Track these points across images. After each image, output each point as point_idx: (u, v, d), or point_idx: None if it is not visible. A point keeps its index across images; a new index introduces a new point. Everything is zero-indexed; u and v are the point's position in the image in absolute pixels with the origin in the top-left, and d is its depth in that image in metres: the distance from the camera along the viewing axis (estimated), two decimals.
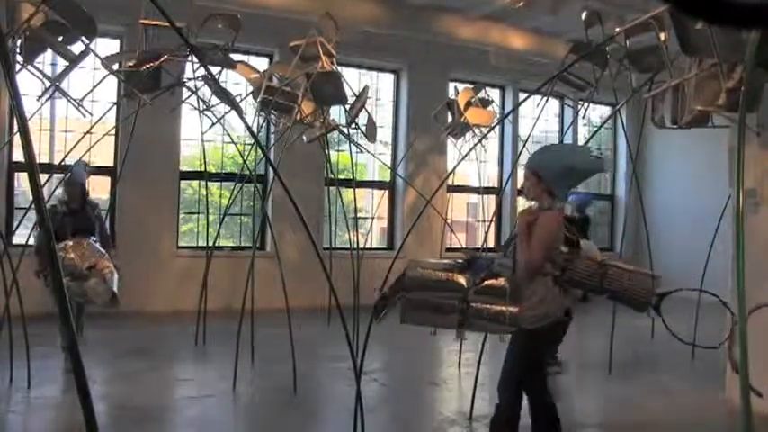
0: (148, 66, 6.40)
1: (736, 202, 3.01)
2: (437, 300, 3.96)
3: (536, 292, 3.86)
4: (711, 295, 4.12)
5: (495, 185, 12.74)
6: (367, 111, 8.10)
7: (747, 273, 2.68)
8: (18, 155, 8.83)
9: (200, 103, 7.38)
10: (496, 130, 11.94)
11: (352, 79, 10.41)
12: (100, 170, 9.49)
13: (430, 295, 3.96)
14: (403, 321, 4.06)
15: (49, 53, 6.21)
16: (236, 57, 7.38)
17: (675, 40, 4.81)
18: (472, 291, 3.92)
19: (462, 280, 3.99)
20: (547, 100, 8.46)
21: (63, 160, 6.84)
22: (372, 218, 11.58)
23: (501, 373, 4.06)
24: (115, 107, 7.98)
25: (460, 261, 4.26)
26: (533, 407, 4.06)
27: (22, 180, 9.09)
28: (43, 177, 6.29)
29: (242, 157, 8.38)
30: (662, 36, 5.90)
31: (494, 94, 12.12)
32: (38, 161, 3.88)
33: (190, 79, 7.13)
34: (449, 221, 11.02)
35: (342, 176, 10.60)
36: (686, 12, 0.82)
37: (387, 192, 11.74)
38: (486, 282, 3.96)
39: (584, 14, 7.45)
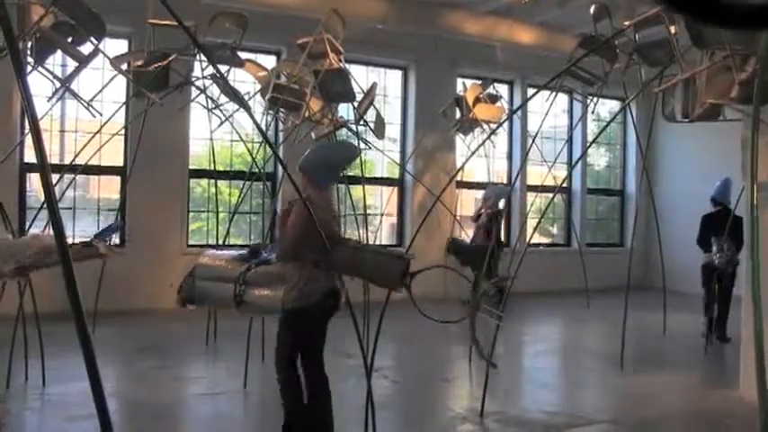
0: (157, 65, 6.42)
1: (749, 196, 2.98)
2: (219, 285, 4.55)
3: (294, 276, 4.18)
4: (451, 269, 4.72)
5: (505, 181, 12.70)
6: (375, 107, 8.09)
7: (762, 266, 2.66)
8: (30, 155, 8.88)
9: (209, 101, 7.39)
10: (505, 125, 11.90)
11: (360, 76, 10.40)
12: (110, 170, 9.56)
13: (214, 281, 4.56)
14: (192, 303, 4.73)
15: (58, 54, 6.23)
16: (243, 55, 7.38)
17: (686, 32, 4.78)
18: (242, 277, 4.49)
19: (239, 268, 4.58)
20: (556, 95, 8.42)
21: (74, 160, 6.86)
22: (381, 214, 11.57)
23: (274, 353, 4.30)
24: (124, 107, 8.00)
25: (245, 252, 4.90)
26: (307, 384, 4.31)
27: (33, 180, 9.14)
28: (54, 178, 6.33)
29: (251, 154, 8.40)
30: (672, 29, 5.86)
31: (502, 89, 12.08)
32: (49, 162, 3.89)
33: (198, 78, 7.15)
34: (458, 217, 11.01)
35: (350, 173, 10.61)
36: (680, 11, 0.81)
37: (396, 188, 11.73)
38: (257, 269, 4.53)
39: (592, 8, 7.41)
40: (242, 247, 10.27)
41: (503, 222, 10.41)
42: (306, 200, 4.13)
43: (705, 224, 8.37)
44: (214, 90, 7.40)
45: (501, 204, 10.44)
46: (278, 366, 4.26)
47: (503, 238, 10.37)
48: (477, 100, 9.63)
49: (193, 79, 7.18)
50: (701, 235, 8.29)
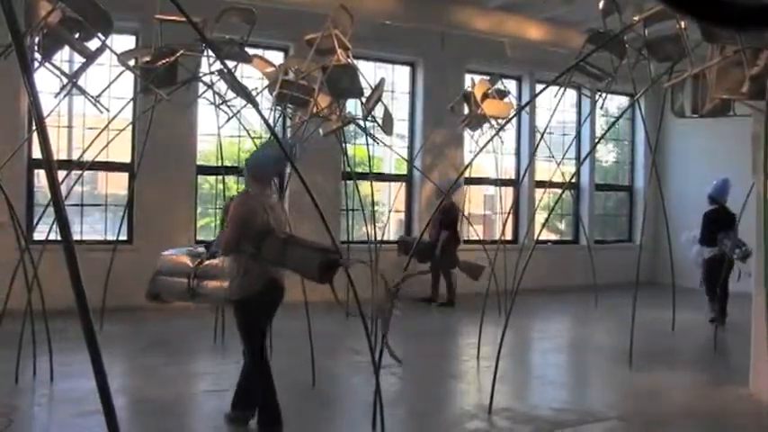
0: (164, 61, 6.41)
1: (762, 191, 2.95)
2: (175, 279, 4.98)
3: (234, 269, 4.51)
4: (368, 265, 4.75)
5: (513, 177, 12.67)
6: (383, 103, 8.06)
7: None
8: (37, 152, 8.90)
9: (217, 97, 7.38)
10: (513, 121, 11.85)
11: (368, 72, 10.37)
12: (117, 166, 9.57)
13: (174, 276, 5.00)
14: (158, 298, 5.22)
15: (66, 50, 6.24)
16: (251, 51, 7.36)
17: (696, 27, 4.73)
18: (194, 272, 4.87)
19: (190, 262, 4.95)
20: (564, 90, 8.37)
21: (81, 156, 6.87)
22: (389, 211, 11.56)
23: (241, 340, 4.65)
24: (132, 103, 8.01)
25: (201, 247, 5.34)
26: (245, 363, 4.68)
27: (41, 177, 9.16)
28: (61, 174, 6.34)
29: None
30: (682, 24, 5.81)
31: (510, 85, 12.02)
32: (56, 158, 3.88)
33: (206, 74, 7.14)
34: (466, 213, 10.98)
35: (358, 169, 10.58)
36: (682, 11, 0.80)
37: (404, 184, 11.71)
38: (207, 263, 4.90)
39: (601, 3, 7.36)
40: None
41: (453, 216, 10.27)
42: (246, 195, 4.58)
43: (709, 221, 8.69)
44: (222, 86, 7.39)
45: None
46: (248, 352, 4.61)
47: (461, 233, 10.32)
48: (485, 96, 9.59)
49: (201, 75, 7.18)
50: (708, 231, 8.55)
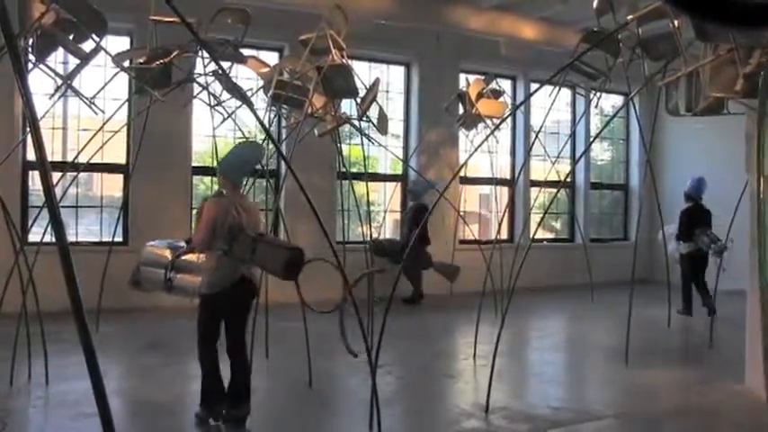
0: (159, 62, 6.40)
1: (756, 189, 2.96)
2: (155, 270, 5.23)
3: (208, 264, 4.70)
4: (326, 261, 4.60)
5: (508, 176, 12.68)
6: (378, 103, 8.06)
7: None
8: (32, 154, 8.87)
9: (212, 98, 7.37)
10: (508, 120, 11.86)
11: (363, 72, 10.36)
12: (113, 167, 9.55)
13: (152, 268, 5.26)
14: (135, 287, 5.61)
15: (60, 51, 6.23)
16: (246, 51, 7.36)
17: (689, 26, 4.75)
18: (171, 264, 5.10)
19: (170, 255, 5.18)
20: (559, 90, 8.38)
21: (76, 158, 6.86)
22: (385, 211, 11.55)
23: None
24: (127, 104, 7.99)
25: (183, 242, 5.55)
26: (229, 356, 4.85)
27: (36, 178, 9.13)
28: (56, 176, 6.32)
29: None
30: (676, 23, 5.83)
31: (505, 84, 12.04)
32: (51, 159, 3.87)
33: (200, 75, 7.13)
34: (461, 213, 10.99)
35: (354, 169, 10.58)
36: (683, 9, 0.80)
37: (399, 184, 11.71)
38: (184, 257, 5.10)
39: (595, 2, 7.37)
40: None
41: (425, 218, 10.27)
42: (219, 195, 4.79)
43: (688, 218, 9.10)
44: (216, 87, 7.38)
45: (422, 200, 10.34)
46: (197, 340, 4.76)
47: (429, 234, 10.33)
48: (479, 95, 9.59)
49: (196, 76, 7.17)
50: (688, 228, 9.00)
